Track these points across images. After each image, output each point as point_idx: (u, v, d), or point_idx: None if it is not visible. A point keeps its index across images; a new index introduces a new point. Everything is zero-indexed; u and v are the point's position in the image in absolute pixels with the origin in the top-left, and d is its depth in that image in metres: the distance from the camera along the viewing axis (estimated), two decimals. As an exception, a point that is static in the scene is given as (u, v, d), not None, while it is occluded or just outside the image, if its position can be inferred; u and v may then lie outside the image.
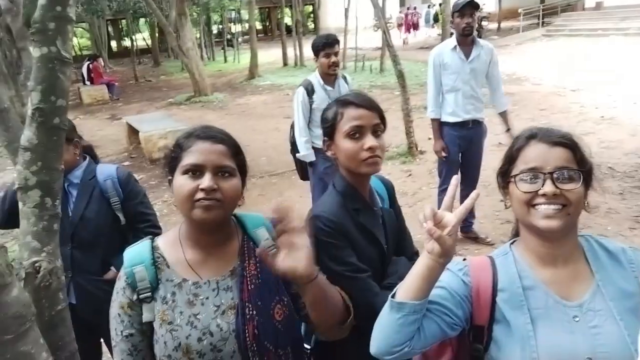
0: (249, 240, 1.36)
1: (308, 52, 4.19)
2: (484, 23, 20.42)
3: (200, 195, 1.20)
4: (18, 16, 3.33)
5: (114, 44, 37.19)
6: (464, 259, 1.33)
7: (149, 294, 1.25)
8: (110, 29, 33.28)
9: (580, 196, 1.16)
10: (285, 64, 19.99)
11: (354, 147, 1.52)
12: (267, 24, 42.04)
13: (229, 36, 29.83)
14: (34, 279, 1.07)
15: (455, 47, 4.09)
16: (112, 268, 2.20)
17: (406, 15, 25.46)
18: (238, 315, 1.24)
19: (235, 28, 33.55)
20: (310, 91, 3.96)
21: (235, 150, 1.31)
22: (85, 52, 27.52)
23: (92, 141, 2.30)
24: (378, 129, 1.56)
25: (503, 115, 4.29)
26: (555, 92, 10.49)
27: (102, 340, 2.40)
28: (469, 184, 4.32)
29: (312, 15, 38.42)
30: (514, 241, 1.32)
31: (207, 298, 1.26)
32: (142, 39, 34.05)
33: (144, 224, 2.29)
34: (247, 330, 1.22)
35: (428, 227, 1.06)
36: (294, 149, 4.18)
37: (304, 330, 1.55)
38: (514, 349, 1.18)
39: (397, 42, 18.94)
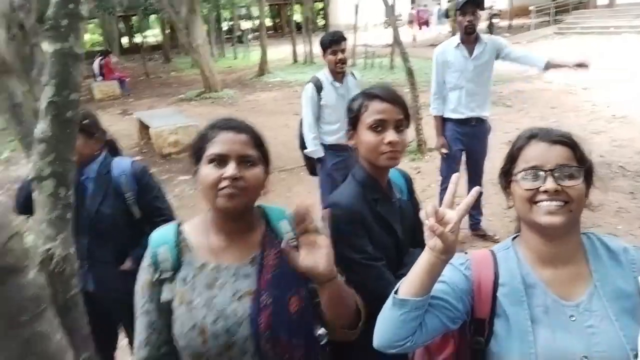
0: (271, 232, 1.40)
1: (318, 49, 4.20)
2: (495, 20, 20.25)
3: (224, 183, 1.24)
4: (31, 13, 3.38)
5: (125, 40, 37.42)
6: (466, 253, 1.36)
7: (170, 273, 1.30)
8: (121, 25, 33.45)
9: (582, 193, 1.19)
10: (295, 61, 20.01)
11: (375, 140, 1.56)
12: (278, 20, 42.06)
13: (239, 33, 29.90)
14: (49, 265, 1.11)
15: (458, 45, 4.09)
16: (128, 259, 2.25)
17: (417, 12, 25.40)
18: (254, 302, 1.27)
19: (246, 25, 33.62)
20: (318, 88, 3.99)
21: (258, 141, 1.35)
22: (96, 48, 27.69)
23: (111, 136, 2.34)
24: (401, 124, 1.60)
25: (551, 65, 4.02)
26: (567, 90, 10.42)
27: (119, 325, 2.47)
28: (473, 182, 4.33)
29: (322, 12, 38.37)
30: (516, 237, 1.33)
31: (225, 282, 1.30)
32: (153, 35, 34.24)
33: (159, 218, 2.30)
34: (261, 318, 1.26)
35: (430, 224, 1.08)
36: (303, 144, 4.21)
37: None
38: (512, 343, 1.20)
39: (407, 39, 18.89)
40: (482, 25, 20.81)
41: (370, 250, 1.56)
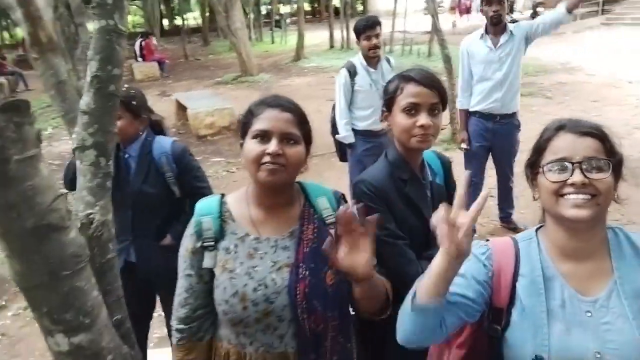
0: (309, 207, 1.46)
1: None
2: (539, 9, 19.62)
3: (266, 159, 1.30)
4: (77, -8, 3.50)
5: (166, 22, 37.97)
6: (487, 240, 1.36)
7: (212, 243, 1.37)
8: (162, 7, 33.93)
9: (610, 186, 1.16)
10: (331, 46, 19.90)
11: (407, 122, 1.59)
12: (316, 5, 41.79)
13: (277, 17, 29.90)
14: (88, 229, 1.20)
15: (482, 35, 3.99)
16: (168, 235, 2.35)
17: (460, -1, 24.87)
18: (292, 273, 1.34)
19: (284, 9, 33.57)
20: (352, 73, 4.00)
21: (302, 119, 1.40)
22: (138, 30, 28.21)
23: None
24: (435, 108, 1.62)
25: (569, 5, 3.82)
26: (611, 83, 10.03)
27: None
28: (502, 179, 4.26)
29: (361, -3, 37.90)
30: (540, 227, 1.32)
31: (265, 253, 1.37)
32: (193, 18, 34.62)
33: (198, 197, 2.39)
34: (298, 288, 1.32)
35: (441, 230, 1.07)
36: (334, 130, 4.23)
37: None
38: (526, 334, 1.21)
39: (447, 27, 18.50)
40: (526, 14, 20.31)
41: (393, 228, 1.60)
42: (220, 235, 1.39)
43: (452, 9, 25.29)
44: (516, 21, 4.37)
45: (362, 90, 3.98)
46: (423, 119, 1.57)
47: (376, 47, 3.91)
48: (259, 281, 1.34)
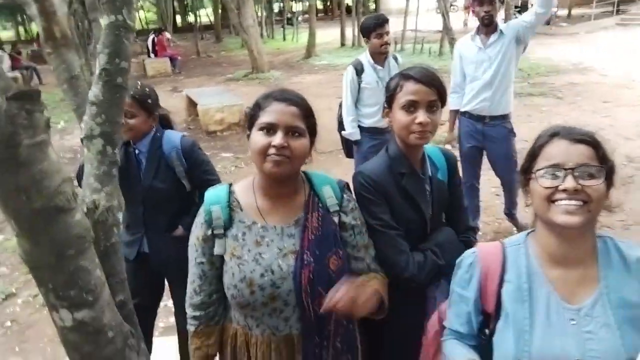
0: (314, 196, 1.52)
1: (366, 33, 4.21)
2: (552, 9, 19.44)
3: (271, 151, 1.36)
4: (92, -11, 3.58)
5: (178, 19, 38.19)
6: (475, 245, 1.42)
7: (222, 231, 1.44)
8: (175, 4, 34.15)
9: (602, 193, 1.17)
10: (342, 44, 19.93)
11: (406, 119, 1.64)
12: (329, 3, 41.78)
13: (289, 15, 29.94)
14: (94, 214, 1.26)
15: (473, 36, 3.96)
16: (180, 226, 2.40)
17: (473, -2, 24.67)
18: (297, 259, 1.41)
19: (296, 6, 33.60)
20: (359, 70, 4.03)
21: (307, 113, 1.45)
22: (151, 26, 28.43)
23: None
24: (434, 105, 1.65)
25: None
26: (624, 84, 9.92)
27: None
28: (503, 184, 4.21)
29: (374, -5, 37.82)
30: (531, 232, 1.34)
31: (272, 241, 1.44)
32: (206, 14, 34.78)
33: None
34: (303, 274, 1.39)
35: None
36: (341, 127, 4.27)
37: None
38: (509, 339, 1.23)
39: (459, 26, 18.42)
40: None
41: (387, 219, 1.65)
42: (229, 223, 1.45)
43: (467, 8, 25.12)
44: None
45: (369, 87, 4.01)
46: (421, 116, 1.62)
47: (387, 43, 3.94)
48: (265, 267, 1.40)
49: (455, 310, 1.38)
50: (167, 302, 2.72)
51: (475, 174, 4.26)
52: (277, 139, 1.36)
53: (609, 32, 17.36)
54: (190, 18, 35.40)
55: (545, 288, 1.24)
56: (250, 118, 1.46)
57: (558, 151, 1.20)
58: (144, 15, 37.70)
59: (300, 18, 29.31)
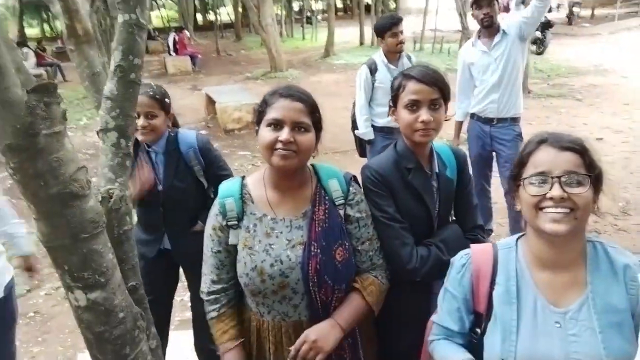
0: (321, 189, 1.58)
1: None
2: (575, 9, 19.14)
3: (279, 145, 1.43)
4: (113, -12, 3.69)
5: (199, 17, 38.54)
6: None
7: (236, 222, 1.52)
8: (196, 2, 34.48)
9: (588, 201, 1.18)
10: (361, 44, 19.93)
11: (409, 118, 1.69)
12: (349, 2, 41.74)
13: (309, 14, 30.00)
14: (108, 203, 1.34)
15: (473, 43, 3.94)
16: (199, 222, 2.46)
17: (497, -4, 24.45)
18: (305, 250, 1.48)
19: (316, 5, 33.63)
20: (373, 70, 4.06)
21: (312, 109, 1.52)
22: (172, 24, 28.76)
23: (174, 109, 2.53)
24: (436, 103, 1.70)
25: None
26: (645, 86, 9.80)
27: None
28: None
29: (394, -5, 37.64)
30: (522, 236, 1.37)
31: (281, 232, 1.51)
32: (226, 13, 35.04)
33: None
34: (310, 264, 1.46)
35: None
36: (354, 126, 4.31)
37: None
38: (496, 339, 1.27)
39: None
40: (561, 14, 19.84)
41: (392, 212, 1.70)
42: (241, 215, 1.53)
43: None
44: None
45: (383, 87, 4.03)
46: (424, 114, 1.67)
47: (402, 42, 3.97)
48: (275, 257, 1.47)
49: (446, 307, 1.42)
50: (183, 297, 2.79)
51: (485, 176, 4.23)
52: (284, 134, 1.42)
53: (632, 33, 17.03)
54: (211, 16, 35.70)
55: (533, 291, 1.27)
56: (259, 114, 1.53)
57: (545, 159, 1.21)
58: (165, 13, 38.17)
59: (319, 17, 29.35)
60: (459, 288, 1.38)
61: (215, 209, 1.57)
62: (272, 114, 1.46)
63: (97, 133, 1.42)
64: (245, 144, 8.13)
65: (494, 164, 4.19)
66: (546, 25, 13.01)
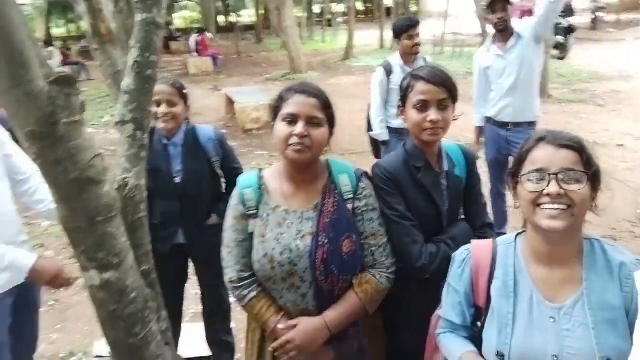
0: (331, 183, 1.65)
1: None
2: (599, 14, 18.81)
3: (293, 140, 1.50)
4: (136, -11, 3.80)
5: (221, 19, 38.92)
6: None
7: (255, 211, 1.61)
8: (219, 4, 34.84)
9: (585, 198, 1.21)
10: (381, 46, 19.89)
11: (418, 117, 1.73)
12: (370, 5, 41.71)
13: (329, 16, 30.07)
14: (123, 191, 1.42)
15: (489, 48, 3.93)
16: (213, 215, 2.53)
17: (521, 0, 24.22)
18: (313, 240, 1.54)
19: (337, 8, 33.69)
20: (389, 72, 4.09)
21: (326, 104, 1.60)
22: (195, 26, 29.09)
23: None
24: (444, 103, 1.74)
25: None
26: (670, 92, 9.60)
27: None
28: None
29: (415, -2, 37.50)
30: (521, 232, 1.40)
31: (292, 223, 1.59)
32: (248, 15, 35.32)
33: (235, 177, 2.56)
34: (317, 254, 1.53)
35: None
36: (370, 127, 4.34)
37: None
38: (493, 331, 1.32)
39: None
40: (585, 19, 19.53)
41: (402, 210, 1.74)
42: (259, 205, 1.61)
43: (514, 11, 24.58)
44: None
45: (397, 88, 4.03)
46: (432, 114, 1.71)
47: (418, 44, 4.01)
48: (284, 246, 1.55)
49: (450, 301, 1.47)
50: (197, 290, 2.86)
51: (501, 180, 4.21)
52: (299, 128, 1.50)
53: (659, 38, 16.73)
54: (232, 18, 36.06)
55: (530, 286, 1.30)
56: (275, 110, 1.60)
57: (543, 156, 1.24)
58: (188, 14, 38.65)
59: (340, 20, 29.39)
60: (460, 282, 1.43)
61: (235, 199, 1.64)
62: (287, 109, 1.54)
63: (115, 125, 1.51)
64: (263, 144, 8.21)
65: None
66: (568, 30, 12.83)
